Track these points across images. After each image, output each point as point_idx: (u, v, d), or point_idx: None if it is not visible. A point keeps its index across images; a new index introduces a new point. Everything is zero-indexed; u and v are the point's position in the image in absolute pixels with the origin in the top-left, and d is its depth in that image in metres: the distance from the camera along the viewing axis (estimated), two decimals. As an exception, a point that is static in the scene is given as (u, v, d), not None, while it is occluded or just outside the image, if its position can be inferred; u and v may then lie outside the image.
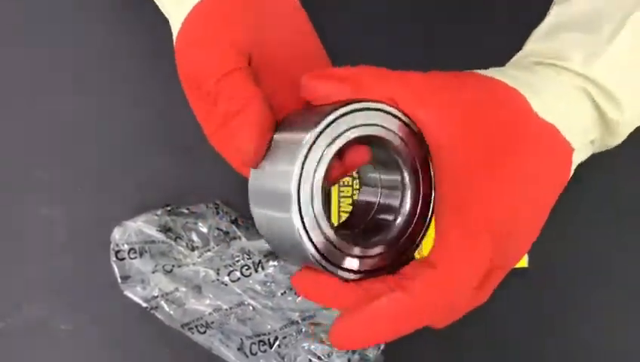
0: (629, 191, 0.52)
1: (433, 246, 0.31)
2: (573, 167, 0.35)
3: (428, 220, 0.33)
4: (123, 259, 0.49)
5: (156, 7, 0.42)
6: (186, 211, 0.51)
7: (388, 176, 0.34)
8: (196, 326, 0.49)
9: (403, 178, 0.33)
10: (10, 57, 0.54)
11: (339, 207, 0.51)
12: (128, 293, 0.49)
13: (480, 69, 0.35)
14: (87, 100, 0.53)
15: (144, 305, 0.49)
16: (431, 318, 0.30)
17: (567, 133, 0.33)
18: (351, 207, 0.50)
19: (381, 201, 0.35)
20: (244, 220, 0.51)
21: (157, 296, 0.49)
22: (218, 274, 0.49)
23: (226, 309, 0.49)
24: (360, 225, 0.35)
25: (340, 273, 0.31)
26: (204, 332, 0.49)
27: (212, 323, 0.49)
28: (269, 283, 0.49)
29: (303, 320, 0.49)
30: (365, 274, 0.31)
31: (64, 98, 0.53)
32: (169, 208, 0.51)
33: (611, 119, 0.35)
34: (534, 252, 0.50)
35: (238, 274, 0.49)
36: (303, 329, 0.49)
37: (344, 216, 0.50)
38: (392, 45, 0.52)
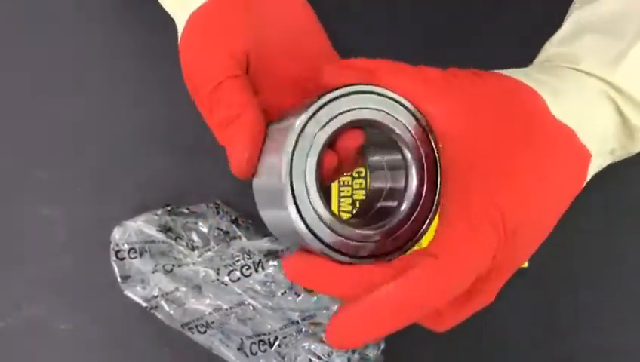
0: (629, 191, 0.52)
1: (435, 237, 0.30)
2: (590, 174, 0.34)
3: (434, 207, 0.32)
4: (123, 258, 0.49)
5: (156, 7, 0.42)
6: (186, 211, 0.51)
7: (391, 156, 0.34)
8: (196, 326, 0.49)
9: (404, 157, 0.32)
10: (10, 57, 0.54)
11: (339, 206, 0.51)
12: (128, 293, 0.49)
13: (480, 69, 0.35)
14: (87, 100, 0.53)
15: (144, 304, 0.49)
16: (429, 308, 0.29)
17: (585, 139, 0.32)
18: (351, 207, 0.51)
19: (389, 186, 0.34)
20: (245, 220, 0.51)
21: (157, 296, 0.49)
22: (218, 273, 0.49)
23: (226, 309, 0.49)
24: (369, 212, 0.35)
25: (334, 255, 0.30)
26: (204, 332, 0.49)
27: (212, 322, 0.49)
28: (269, 283, 0.49)
29: (303, 319, 0.49)
30: (362, 259, 0.31)
31: (64, 98, 0.53)
32: (169, 208, 0.51)
33: (635, 125, 0.35)
34: (534, 252, 0.50)
35: (238, 273, 0.49)
36: (303, 329, 0.49)
37: (344, 216, 0.50)
38: (392, 45, 0.52)
